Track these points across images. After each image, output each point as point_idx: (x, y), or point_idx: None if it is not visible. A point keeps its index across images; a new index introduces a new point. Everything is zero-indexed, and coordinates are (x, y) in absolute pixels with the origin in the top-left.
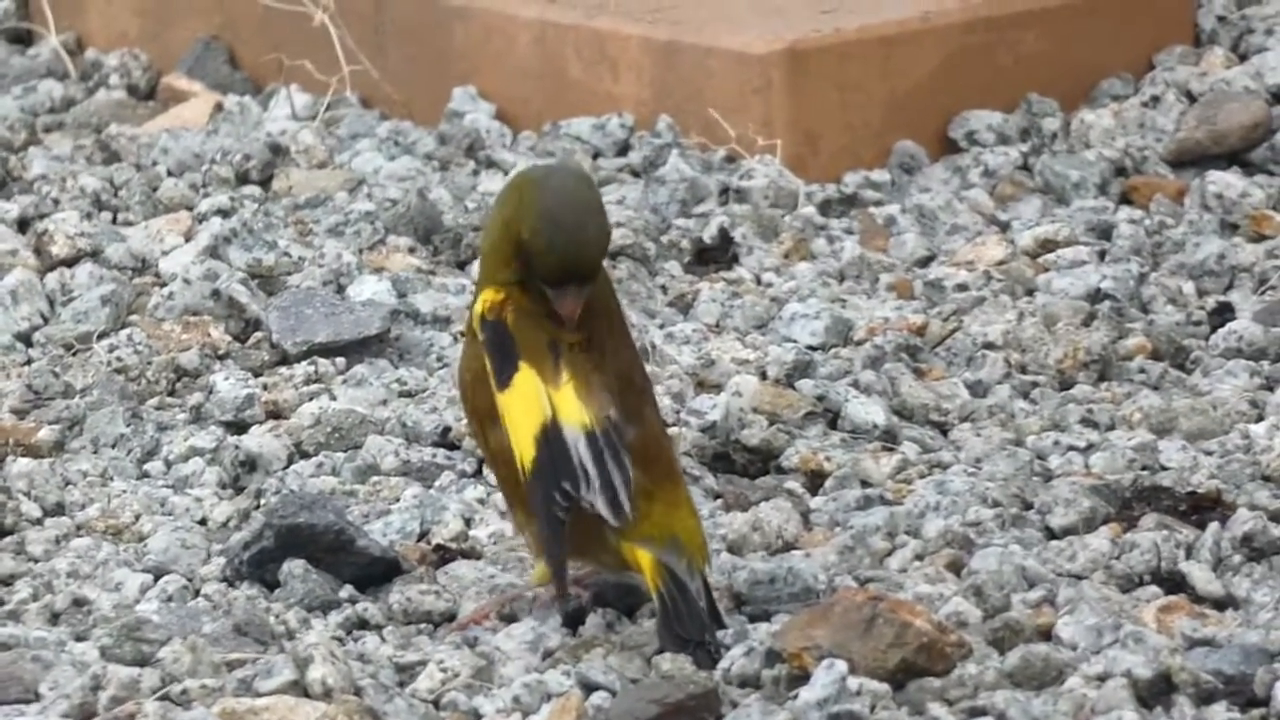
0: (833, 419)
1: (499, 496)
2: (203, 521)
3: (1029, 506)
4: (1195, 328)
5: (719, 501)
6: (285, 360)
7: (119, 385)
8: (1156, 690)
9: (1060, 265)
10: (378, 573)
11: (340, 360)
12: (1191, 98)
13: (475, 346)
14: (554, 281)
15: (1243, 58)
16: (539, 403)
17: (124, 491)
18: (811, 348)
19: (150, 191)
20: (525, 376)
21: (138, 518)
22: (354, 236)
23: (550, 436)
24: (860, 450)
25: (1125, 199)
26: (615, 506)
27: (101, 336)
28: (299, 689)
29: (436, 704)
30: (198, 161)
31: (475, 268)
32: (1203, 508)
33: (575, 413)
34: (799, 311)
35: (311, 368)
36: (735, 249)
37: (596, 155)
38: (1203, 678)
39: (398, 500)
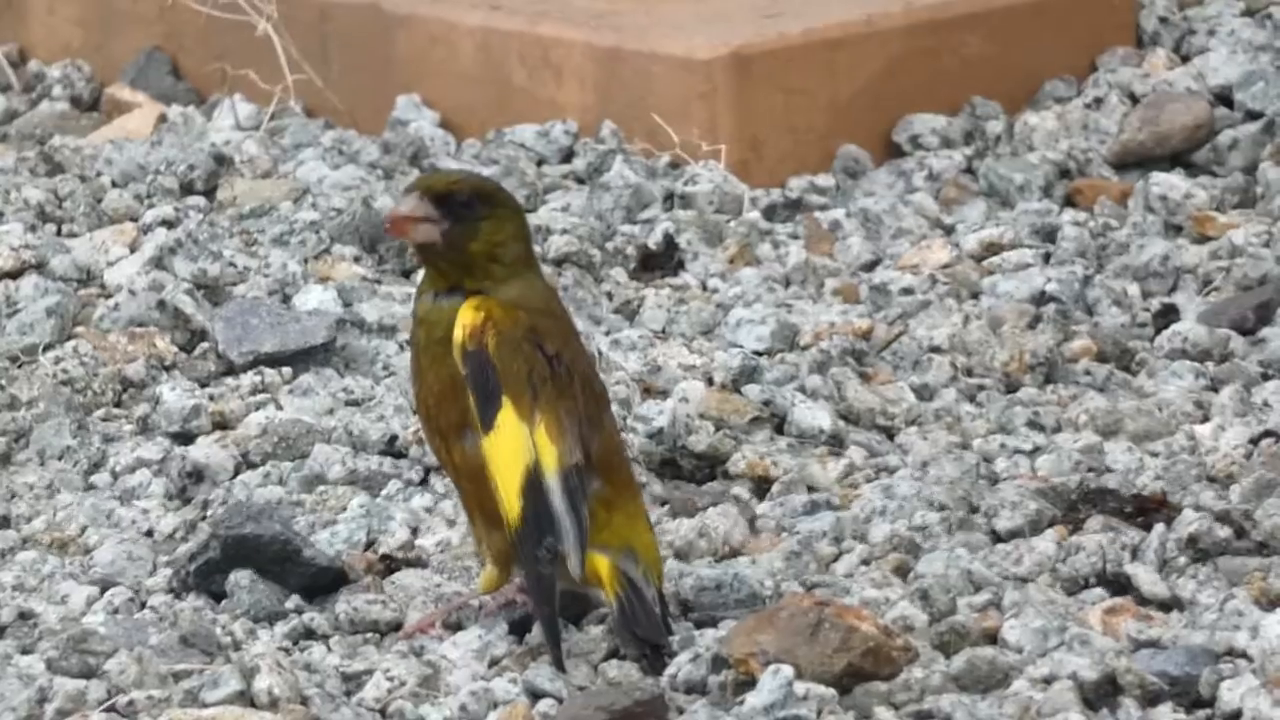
0: (779, 424)
1: (446, 505)
2: (149, 533)
3: (975, 510)
4: (1140, 329)
5: (666, 508)
6: (231, 370)
7: (65, 397)
8: (1102, 692)
9: (1005, 268)
10: (324, 582)
11: (286, 370)
12: (1134, 99)
13: (440, 365)
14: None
15: (1185, 59)
16: (523, 446)
17: (70, 504)
18: (758, 353)
19: (95, 203)
20: (508, 417)
21: (84, 530)
22: (299, 246)
23: (534, 485)
24: (807, 455)
25: (1069, 201)
26: (578, 557)
27: (47, 349)
28: (245, 699)
29: (383, 713)
30: (142, 172)
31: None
32: (1148, 509)
33: (551, 457)
34: (745, 317)
35: (258, 378)
36: (680, 255)
37: (540, 162)
38: (1148, 679)
39: (344, 510)
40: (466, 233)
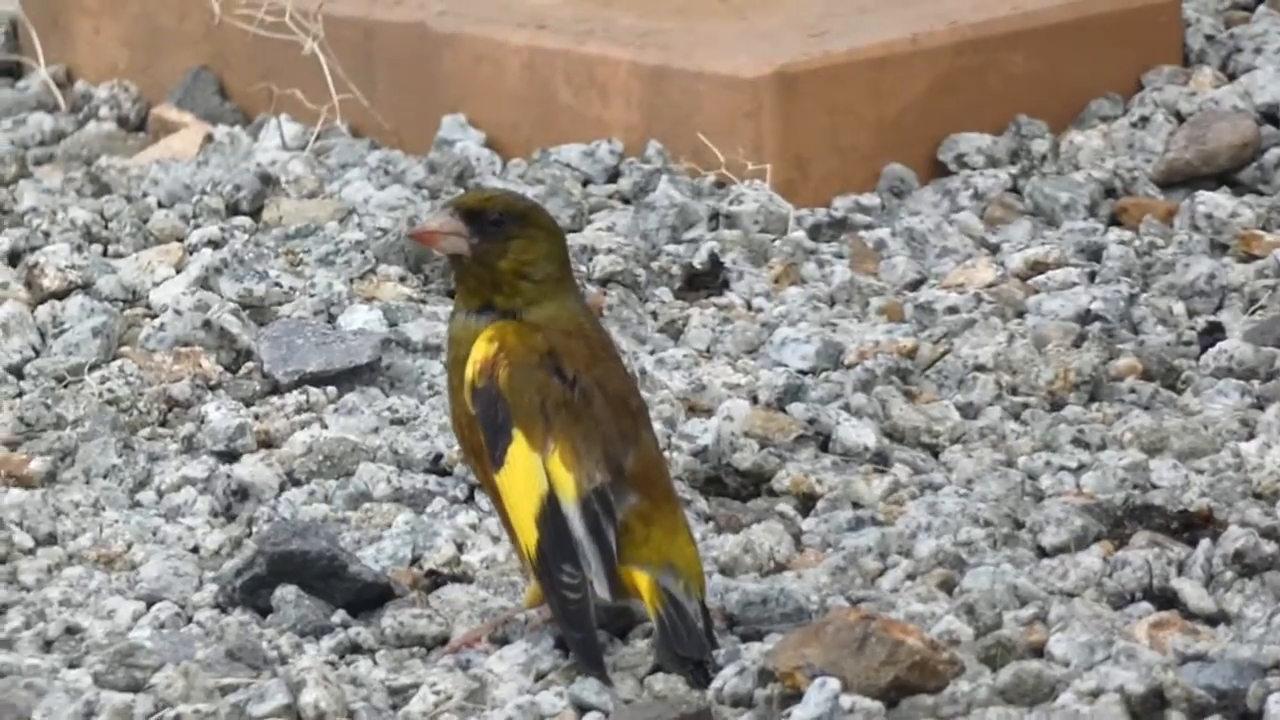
0: (824, 442)
1: (491, 522)
2: (195, 550)
3: (1020, 526)
4: (1186, 348)
5: (711, 524)
6: (277, 390)
7: (110, 416)
8: (1149, 706)
9: (1050, 287)
10: (370, 598)
11: (331, 389)
12: (1180, 118)
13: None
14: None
15: (1231, 77)
16: (536, 478)
17: (116, 521)
18: (802, 371)
19: (141, 223)
20: (519, 450)
21: (130, 546)
22: (344, 266)
23: (550, 514)
24: (852, 472)
25: (1115, 220)
26: (603, 582)
27: (93, 368)
28: (292, 713)
29: None
30: (188, 192)
31: None
32: (1194, 525)
33: (568, 485)
34: (790, 336)
35: (303, 397)
36: (725, 274)
37: (586, 182)
38: (1195, 693)
39: (389, 526)
40: (495, 250)
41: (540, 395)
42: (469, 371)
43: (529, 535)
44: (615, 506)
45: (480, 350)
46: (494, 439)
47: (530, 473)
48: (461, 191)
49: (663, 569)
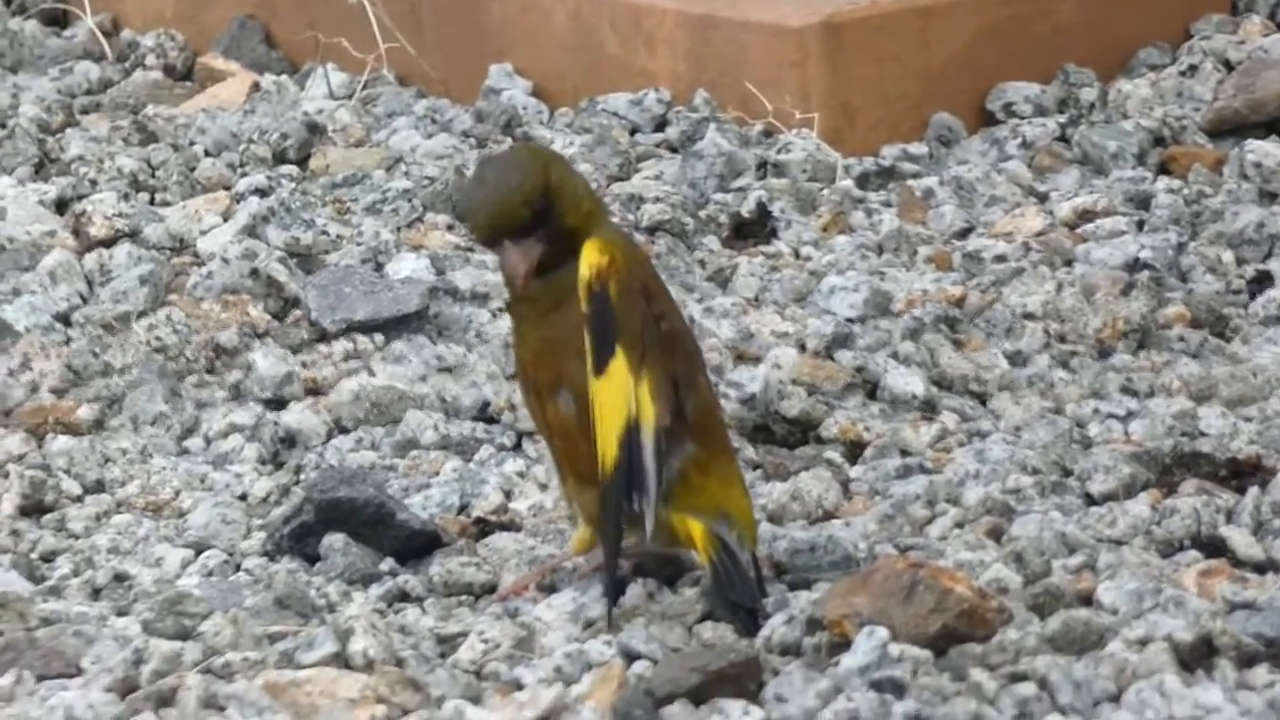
0: (872, 390)
1: (539, 469)
2: (243, 497)
3: (1069, 474)
4: (1234, 296)
5: (759, 472)
6: (324, 338)
7: (158, 364)
8: (1198, 654)
9: (1099, 235)
10: (418, 546)
11: (379, 337)
12: (1229, 66)
13: (541, 326)
14: (486, 243)
15: None
16: (627, 398)
17: (164, 468)
18: (850, 320)
19: (188, 171)
20: (619, 366)
21: (178, 494)
22: (392, 214)
23: (632, 440)
24: (900, 420)
25: (1163, 169)
26: (651, 518)
27: (140, 316)
28: (341, 661)
29: (478, 674)
30: (235, 141)
31: None
32: (1243, 473)
33: (650, 415)
34: (837, 284)
35: (350, 344)
36: (773, 223)
37: (634, 131)
38: (1244, 640)
39: (437, 474)
40: (555, 226)
41: (640, 322)
42: (585, 271)
43: (610, 450)
44: (672, 453)
45: (593, 256)
46: (600, 346)
47: (624, 393)
48: (509, 142)
49: (717, 518)
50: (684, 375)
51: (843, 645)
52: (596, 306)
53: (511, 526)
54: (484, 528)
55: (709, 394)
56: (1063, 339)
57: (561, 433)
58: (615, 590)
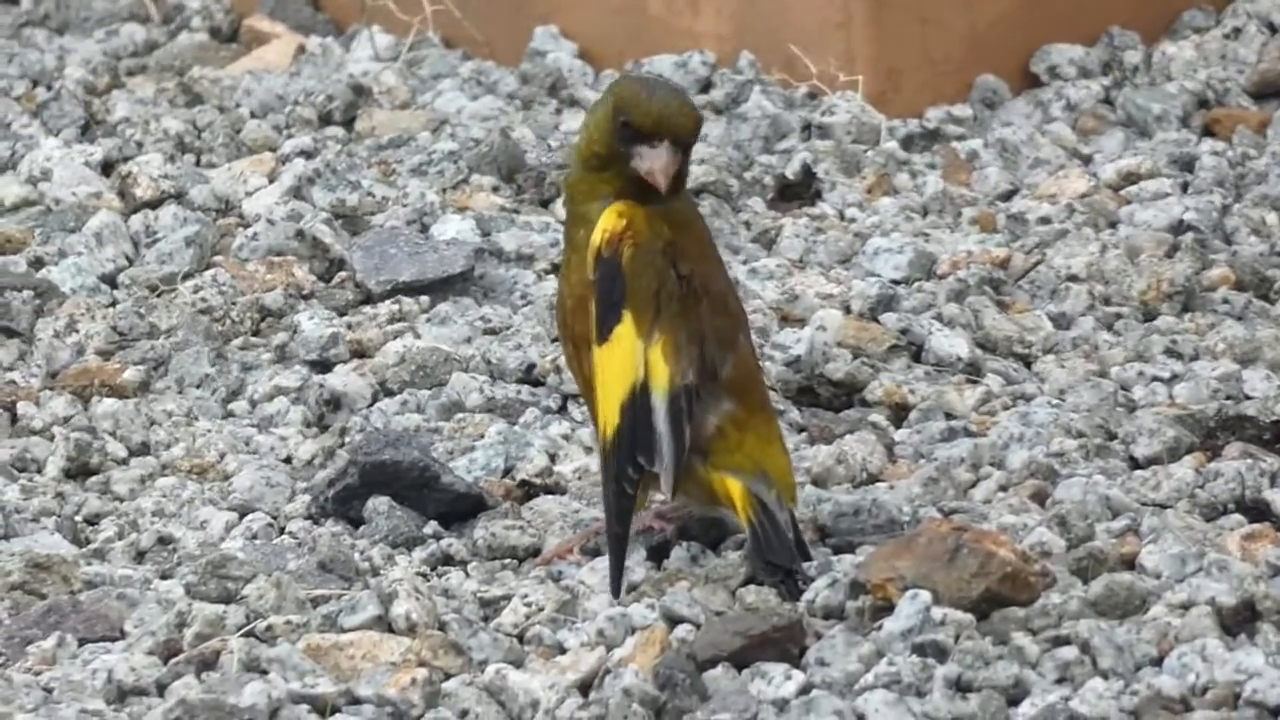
0: (916, 352)
1: (584, 432)
2: (287, 460)
3: (1113, 437)
4: (1278, 258)
5: (803, 435)
6: (369, 299)
7: (203, 326)
8: (1241, 618)
9: (1143, 197)
10: (462, 509)
11: (424, 299)
12: (1273, 29)
13: (582, 271)
14: (650, 132)
15: None
16: (633, 362)
17: (209, 431)
18: (895, 281)
19: (233, 133)
20: (625, 331)
21: (222, 457)
22: (437, 176)
23: (637, 405)
24: (944, 383)
25: (1207, 131)
26: (670, 480)
27: (186, 277)
28: (383, 624)
29: (521, 638)
30: (280, 103)
31: (559, 204)
32: None
33: (662, 377)
34: (882, 246)
35: (396, 306)
36: (818, 185)
37: None
38: None
39: (482, 437)
40: (685, 165)
41: (657, 282)
42: (596, 238)
43: (610, 419)
44: (705, 409)
45: (609, 221)
46: (605, 313)
47: (629, 357)
48: (555, 105)
49: (756, 477)
50: (721, 334)
51: (886, 609)
52: (604, 272)
53: (556, 490)
54: (528, 491)
55: (749, 353)
56: (1107, 301)
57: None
58: (620, 557)
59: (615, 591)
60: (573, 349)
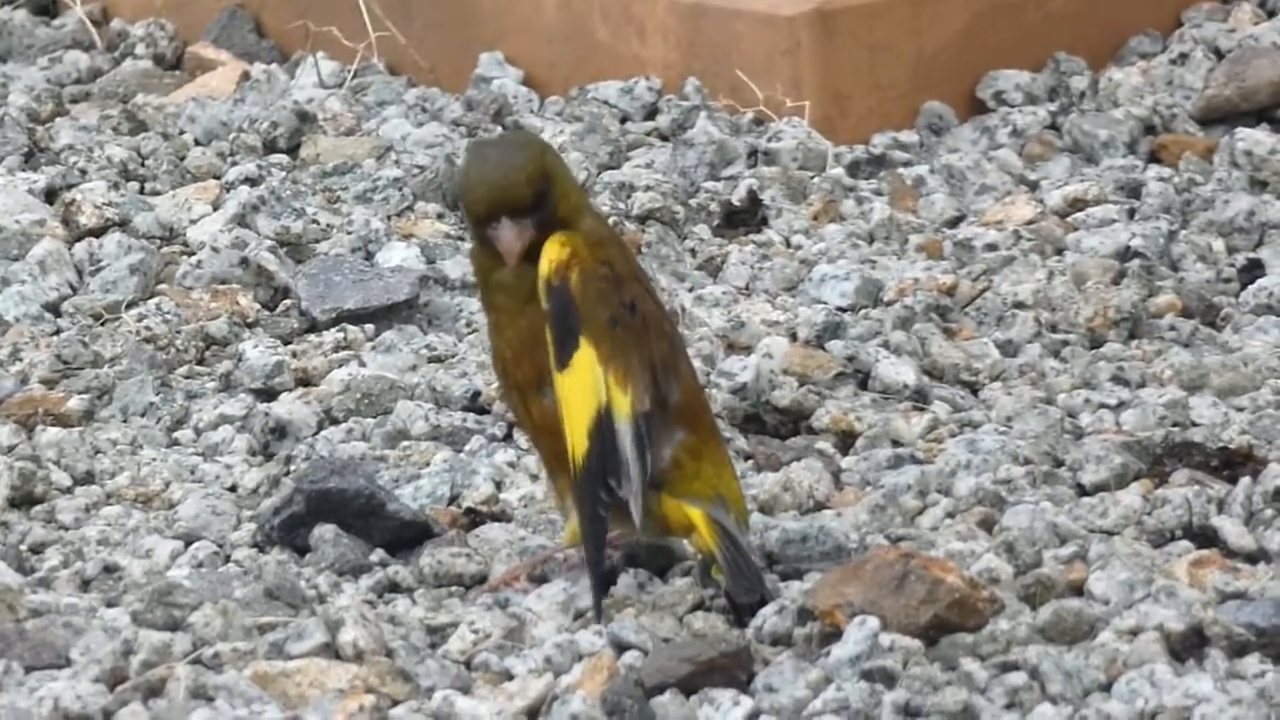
0: (863, 379)
1: (530, 460)
2: (233, 488)
3: (1060, 464)
4: (1225, 285)
5: (750, 462)
6: (314, 327)
7: (148, 354)
8: (1189, 644)
9: (1090, 224)
10: (409, 536)
11: (369, 327)
12: (1220, 54)
13: (519, 319)
14: (486, 217)
15: (1271, 14)
16: (595, 388)
17: (154, 459)
18: (841, 309)
19: (178, 161)
20: (584, 357)
21: (168, 485)
22: (382, 203)
23: (604, 429)
24: (891, 410)
25: (1154, 157)
26: (639, 505)
27: (130, 306)
28: (330, 651)
29: (468, 665)
30: (225, 130)
31: None
32: (1234, 463)
33: (624, 402)
34: (829, 273)
35: (341, 334)
36: (764, 211)
37: (624, 119)
38: (1235, 630)
39: (428, 465)
40: (546, 217)
41: (606, 310)
42: (544, 268)
43: (579, 444)
44: (660, 440)
45: (554, 251)
46: (563, 339)
47: (591, 382)
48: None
49: (714, 503)
50: (664, 361)
51: (834, 635)
52: (557, 301)
53: (502, 517)
54: (474, 518)
55: (692, 379)
56: (1054, 328)
57: (547, 429)
58: (602, 584)
59: (597, 617)
60: (518, 396)
